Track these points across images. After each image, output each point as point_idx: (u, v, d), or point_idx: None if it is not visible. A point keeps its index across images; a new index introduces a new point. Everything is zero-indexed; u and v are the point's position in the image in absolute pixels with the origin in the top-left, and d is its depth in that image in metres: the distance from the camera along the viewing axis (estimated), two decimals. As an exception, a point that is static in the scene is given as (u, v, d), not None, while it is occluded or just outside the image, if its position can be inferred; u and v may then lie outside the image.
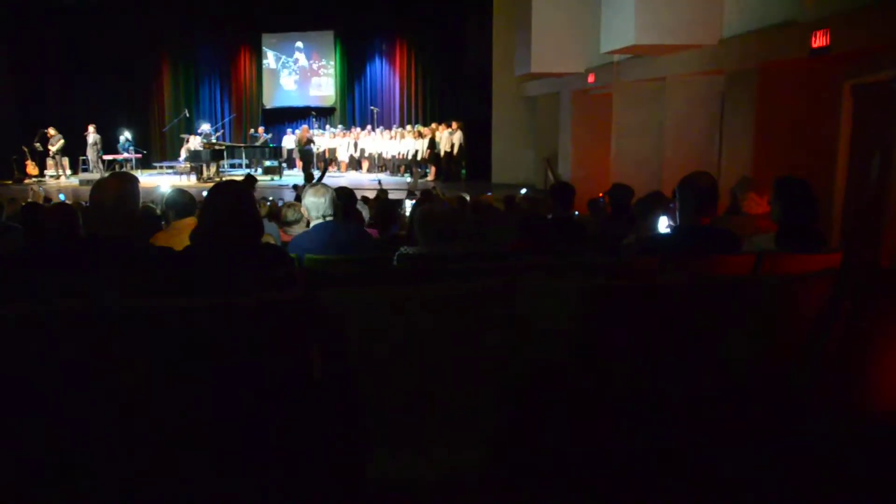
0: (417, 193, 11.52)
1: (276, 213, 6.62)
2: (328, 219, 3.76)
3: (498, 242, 4.49)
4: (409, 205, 9.22)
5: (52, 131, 16.43)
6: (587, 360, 2.19)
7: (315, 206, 3.75)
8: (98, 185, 2.77)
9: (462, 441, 2.14)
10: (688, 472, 2.29)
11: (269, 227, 5.11)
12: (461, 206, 8.52)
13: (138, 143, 17.79)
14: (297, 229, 5.15)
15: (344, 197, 5.02)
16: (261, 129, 18.86)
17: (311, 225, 3.81)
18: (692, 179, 3.24)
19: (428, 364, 2.07)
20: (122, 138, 17.24)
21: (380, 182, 13.68)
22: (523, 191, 14.34)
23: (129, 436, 1.94)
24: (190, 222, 4.51)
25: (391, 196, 10.98)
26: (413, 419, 2.11)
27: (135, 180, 2.85)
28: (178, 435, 1.98)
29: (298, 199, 7.12)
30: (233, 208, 2.70)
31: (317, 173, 15.54)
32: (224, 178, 15.40)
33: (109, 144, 17.17)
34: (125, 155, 17.01)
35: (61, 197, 12.57)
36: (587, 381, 2.20)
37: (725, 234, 3.25)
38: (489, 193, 12.23)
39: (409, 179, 16.13)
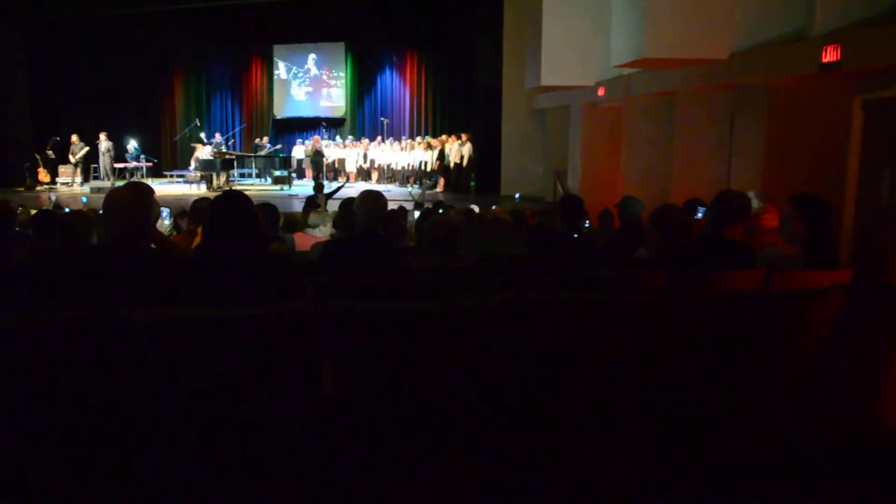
0: (429, 205, 11.52)
1: (290, 224, 6.70)
2: (375, 229, 3.62)
3: (506, 254, 4.48)
4: (416, 216, 9.22)
5: (74, 139, 16.61)
6: (587, 376, 2.19)
7: (368, 214, 3.59)
8: (112, 194, 2.79)
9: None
10: (695, 487, 2.28)
11: (285, 236, 5.19)
12: (470, 217, 8.51)
13: (149, 152, 17.91)
14: (318, 232, 5.31)
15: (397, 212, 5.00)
16: (265, 139, 18.93)
17: (358, 232, 3.74)
18: (726, 194, 3.39)
19: (440, 379, 2.07)
20: (130, 146, 17.35)
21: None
22: (517, 195, 14.40)
23: (133, 447, 1.95)
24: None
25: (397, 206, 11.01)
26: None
27: (149, 190, 2.87)
28: (181, 448, 1.97)
29: (311, 207, 7.23)
30: (236, 219, 2.72)
31: (327, 183, 15.56)
32: (232, 188, 15.46)
33: (121, 153, 17.32)
34: (136, 163, 17.14)
35: (84, 200, 12.67)
36: (586, 396, 2.20)
37: (745, 249, 3.27)
38: (494, 206, 12.23)
39: (417, 190, 16.14)
